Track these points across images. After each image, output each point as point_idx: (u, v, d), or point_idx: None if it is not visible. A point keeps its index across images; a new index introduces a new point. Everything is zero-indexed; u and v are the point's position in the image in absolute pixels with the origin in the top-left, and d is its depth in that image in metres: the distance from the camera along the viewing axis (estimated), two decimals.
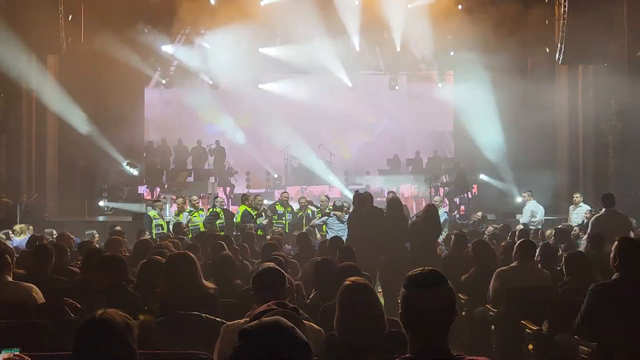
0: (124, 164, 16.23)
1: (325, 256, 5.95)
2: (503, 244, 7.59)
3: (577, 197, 12.20)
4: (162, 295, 3.94)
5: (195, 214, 12.26)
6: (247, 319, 3.02)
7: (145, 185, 17.32)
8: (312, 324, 3.36)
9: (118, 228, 10.50)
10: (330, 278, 4.15)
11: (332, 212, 11.25)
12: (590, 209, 11.71)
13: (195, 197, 12.88)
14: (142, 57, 16.83)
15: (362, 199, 9.03)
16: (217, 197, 12.91)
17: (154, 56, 17.53)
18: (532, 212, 12.54)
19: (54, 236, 9.70)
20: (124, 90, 16.66)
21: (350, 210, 10.24)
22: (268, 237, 9.63)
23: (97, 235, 10.69)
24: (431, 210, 9.00)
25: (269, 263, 3.65)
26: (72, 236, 9.51)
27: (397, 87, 19.09)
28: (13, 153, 14.27)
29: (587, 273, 5.28)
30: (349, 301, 3.14)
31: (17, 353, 2.70)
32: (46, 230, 10.80)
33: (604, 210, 8.49)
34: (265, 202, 13.01)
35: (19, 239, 9.94)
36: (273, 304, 2.31)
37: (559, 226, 10.87)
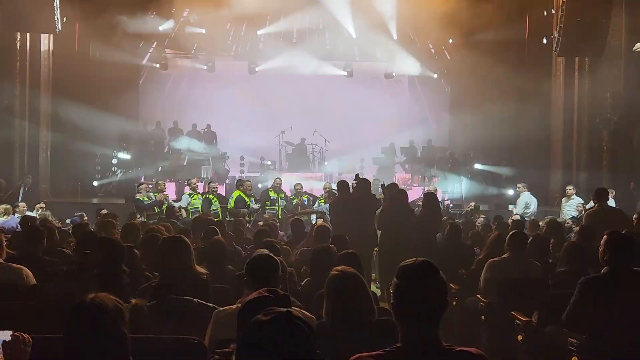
0: (114, 152, 16.27)
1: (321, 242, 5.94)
2: (490, 235, 7.49)
3: (570, 189, 12.23)
4: (155, 278, 3.94)
5: (195, 197, 12.25)
6: (239, 305, 3.03)
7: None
8: (303, 311, 3.37)
9: (105, 211, 10.45)
10: (328, 266, 4.12)
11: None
12: (582, 201, 11.75)
13: (194, 180, 12.85)
14: (136, 40, 16.82)
15: (346, 185, 8.79)
16: (211, 182, 12.86)
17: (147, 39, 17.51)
18: (527, 203, 12.53)
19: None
20: (120, 71, 16.56)
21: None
22: (260, 223, 9.63)
23: (86, 217, 10.68)
24: (431, 198, 8.91)
25: (262, 250, 3.65)
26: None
27: (394, 74, 19.09)
28: (5, 133, 14.20)
29: (581, 265, 5.30)
30: (337, 290, 3.14)
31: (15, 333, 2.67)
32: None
33: (597, 205, 8.50)
34: (260, 185, 12.99)
35: (2, 219, 9.93)
36: (264, 292, 2.31)
37: (552, 217, 10.89)
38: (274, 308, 1.70)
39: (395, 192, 8.84)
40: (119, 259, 4.11)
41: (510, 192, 14.80)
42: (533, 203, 12.60)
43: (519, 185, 13.10)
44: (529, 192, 12.81)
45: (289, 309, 1.72)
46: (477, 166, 16.42)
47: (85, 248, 4.54)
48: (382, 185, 9.60)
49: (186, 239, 4.13)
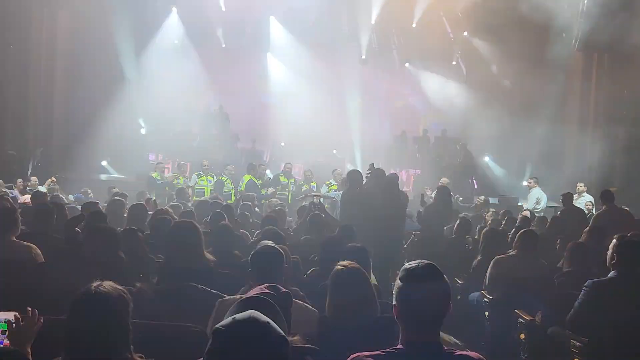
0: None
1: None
2: (483, 231, 7.24)
3: (581, 186, 12.11)
4: (163, 262, 3.93)
5: (204, 177, 12.29)
6: (242, 295, 3.03)
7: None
8: (306, 303, 3.37)
9: (116, 190, 10.51)
10: (337, 258, 4.09)
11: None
12: (592, 200, 11.64)
13: (206, 162, 12.86)
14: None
15: (358, 175, 8.36)
16: (228, 165, 12.85)
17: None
18: (538, 198, 12.43)
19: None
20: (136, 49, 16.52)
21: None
22: (269, 207, 9.62)
23: (91, 193, 10.75)
24: (444, 192, 8.81)
25: (267, 241, 3.63)
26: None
27: (407, 65, 18.95)
28: (20, 105, 14.27)
29: (588, 266, 5.28)
30: (340, 286, 3.13)
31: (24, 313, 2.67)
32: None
33: (604, 207, 8.47)
34: (267, 172, 13.00)
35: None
36: (266, 288, 2.30)
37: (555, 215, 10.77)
38: (238, 316, 1.66)
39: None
40: (114, 247, 4.08)
41: (521, 186, 14.70)
42: (543, 199, 12.50)
43: (530, 179, 12.98)
44: (540, 188, 12.71)
45: (258, 312, 1.69)
46: (488, 160, 16.31)
47: (91, 228, 4.54)
48: (372, 165, 8.85)
49: (197, 225, 4.12)
